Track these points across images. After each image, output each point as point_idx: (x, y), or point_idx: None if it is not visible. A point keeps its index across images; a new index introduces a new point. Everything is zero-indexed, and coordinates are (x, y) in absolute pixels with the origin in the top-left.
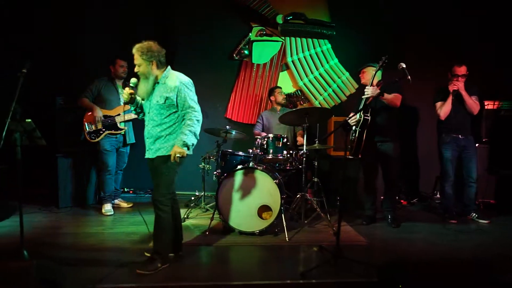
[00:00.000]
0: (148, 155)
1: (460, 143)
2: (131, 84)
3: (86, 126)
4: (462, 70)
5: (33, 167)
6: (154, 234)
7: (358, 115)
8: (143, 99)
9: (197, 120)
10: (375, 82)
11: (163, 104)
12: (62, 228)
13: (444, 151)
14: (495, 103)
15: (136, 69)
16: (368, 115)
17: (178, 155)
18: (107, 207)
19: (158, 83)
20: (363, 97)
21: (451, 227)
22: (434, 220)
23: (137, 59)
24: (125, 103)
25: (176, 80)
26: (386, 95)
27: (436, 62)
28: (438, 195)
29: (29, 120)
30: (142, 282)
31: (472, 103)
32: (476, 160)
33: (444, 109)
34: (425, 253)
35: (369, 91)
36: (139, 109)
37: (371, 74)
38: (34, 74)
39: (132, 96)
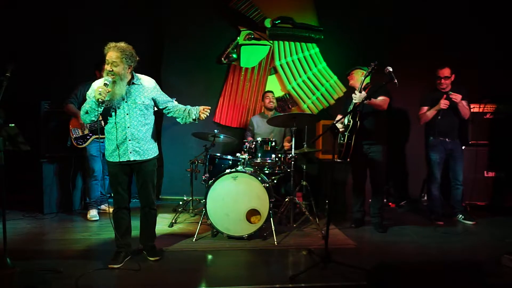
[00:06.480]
0: (135, 157)
1: (447, 147)
2: (106, 82)
3: (73, 132)
4: (444, 72)
5: (16, 173)
6: (151, 230)
7: (346, 119)
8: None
9: None
10: (363, 86)
11: (147, 105)
12: (46, 234)
13: (431, 154)
14: (481, 105)
15: (109, 68)
16: (357, 119)
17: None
18: (93, 213)
19: (133, 83)
20: (353, 101)
21: (438, 229)
22: (422, 222)
23: (117, 59)
24: (100, 103)
25: (150, 81)
26: (373, 100)
27: (427, 64)
28: (425, 198)
29: (13, 124)
30: (128, 286)
31: (466, 110)
32: (463, 163)
33: (428, 115)
34: (413, 255)
35: (356, 97)
36: (99, 112)
37: (359, 77)
38: (19, 77)
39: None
